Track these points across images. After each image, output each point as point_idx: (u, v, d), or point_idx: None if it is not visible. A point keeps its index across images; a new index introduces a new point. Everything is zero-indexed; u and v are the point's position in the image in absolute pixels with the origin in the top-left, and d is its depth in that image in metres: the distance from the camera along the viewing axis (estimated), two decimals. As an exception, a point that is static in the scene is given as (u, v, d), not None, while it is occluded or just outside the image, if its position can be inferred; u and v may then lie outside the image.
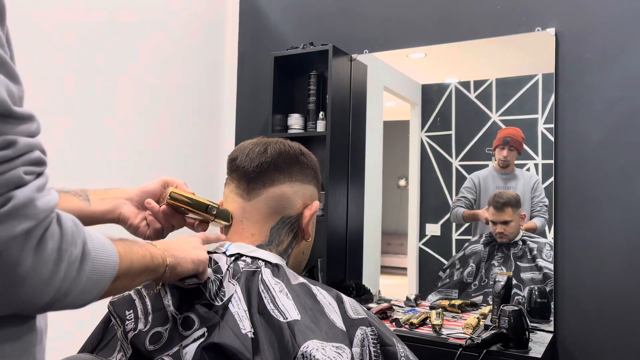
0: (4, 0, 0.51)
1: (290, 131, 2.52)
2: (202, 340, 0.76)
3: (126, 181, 2.20)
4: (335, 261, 2.42)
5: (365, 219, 2.56)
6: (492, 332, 1.73)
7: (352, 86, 2.52)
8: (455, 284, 2.32)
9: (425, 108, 2.45)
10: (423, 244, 2.43)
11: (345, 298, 0.87)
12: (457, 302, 2.21)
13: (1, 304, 0.50)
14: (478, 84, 2.33)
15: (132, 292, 0.83)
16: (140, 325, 0.79)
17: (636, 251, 1.93)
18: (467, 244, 2.32)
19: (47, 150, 0.54)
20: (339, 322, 0.81)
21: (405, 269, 2.50)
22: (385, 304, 2.18)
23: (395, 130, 2.61)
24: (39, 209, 0.49)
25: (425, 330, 1.96)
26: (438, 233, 2.40)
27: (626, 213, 1.95)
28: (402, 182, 2.56)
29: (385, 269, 2.59)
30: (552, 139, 2.10)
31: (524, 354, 1.70)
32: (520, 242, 2.20)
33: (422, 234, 2.44)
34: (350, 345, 0.79)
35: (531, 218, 2.18)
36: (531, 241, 2.17)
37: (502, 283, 1.94)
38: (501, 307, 1.77)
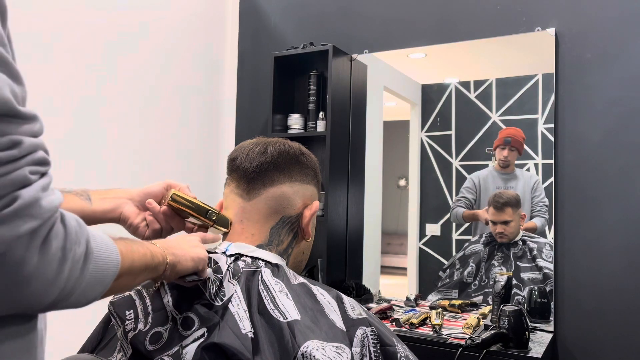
0: (5, 1, 0.51)
1: (290, 131, 2.52)
2: (202, 340, 0.76)
3: (126, 181, 2.20)
4: (335, 261, 2.42)
5: (365, 219, 2.56)
6: (492, 332, 1.73)
7: (352, 86, 2.52)
8: (455, 284, 2.32)
9: (425, 108, 2.45)
10: (423, 244, 2.43)
11: (345, 298, 0.87)
12: (457, 302, 2.21)
13: (6, 303, 0.51)
14: (478, 84, 2.33)
15: (132, 292, 0.83)
16: (140, 325, 0.79)
17: (636, 251, 1.93)
18: (467, 244, 2.32)
19: (49, 152, 0.54)
20: (339, 322, 0.81)
21: (405, 269, 2.50)
22: (385, 304, 2.18)
23: (395, 130, 2.61)
24: (43, 208, 0.49)
25: (425, 330, 1.96)
26: (438, 233, 2.40)
27: (626, 213, 1.95)
28: (402, 182, 2.56)
29: (385, 269, 2.59)
30: (552, 139, 2.10)
31: (524, 354, 1.70)
32: (520, 242, 2.20)
33: (422, 234, 2.44)
34: (350, 345, 0.79)
35: (531, 218, 2.18)
36: (531, 241, 2.17)
37: (502, 283, 1.94)
38: (501, 307, 1.77)
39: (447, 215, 2.37)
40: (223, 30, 2.83)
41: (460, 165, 2.35)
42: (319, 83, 2.52)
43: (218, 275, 0.84)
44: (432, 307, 2.24)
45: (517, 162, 2.22)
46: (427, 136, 2.43)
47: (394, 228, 2.59)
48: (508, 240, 2.22)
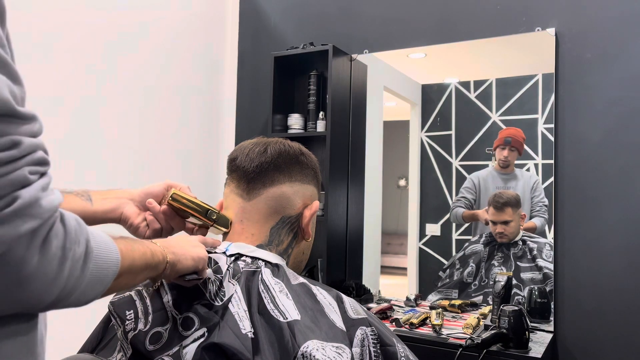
0: (4, 1, 0.51)
1: (290, 131, 2.52)
2: (202, 340, 0.76)
3: (126, 181, 2.20)
4: (335, 261, 2.42)
5: (365, 219, 2.56)
6: (492, 332, 1.73)
7: (352, 86, 2.52)
8: (455, 284, 2.32)
9: (425, 108, 2.45)
10: (423, 244, 2.43)
11: (345, 298, 0.87)
12: (457, 302, 2.21)
13: (7, 302, 0.51)
14: (478, 84, 2.33)
15: (132, 293, 0.83)
16: (140, 325, 0.79)
17: (636, 251, 1.93)
18: (467, 244, 2.32)
19: (50, 152, 0.54)
20: (339, 322, 0.81)
21: (405, 269, 2.50)
22: (385, 304, 2.18)
23: (395, 130, 2.61)
24: (43, 208, 0.50)
25: (425, 330, 1.96)
26: (438, 233, 2.40)
27: (626, 213, 1.95)
28: (402, 182, 2.56)
29: (385, 269, 2.59)
30: (552, 139, 2.10)
31: (524, 354, 1.70)
32: (520, 242, 2.20)
33: (422, 234, 2.44)
34: (350, 345, 0.79)
35: (531, 218, 2.18)
36: (531, 241, 2.17)
37: (502, 283, 1.94)
38: (501, 307, 1.77)
39: (447, 216, 2.37)
40: (223, 30, 2.83)
41: (460, 165, 2.35)
42: (319, 83, 2.52)
43: (218, 275, 0.83)
44: (432, 307, 2.24)
45: (517, 162, 2.22)
46: (427, 136, 2.43)
47: (394, 228, 2.59)
48: (508, 240, 2.22)
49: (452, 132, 2.38)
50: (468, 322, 1.95)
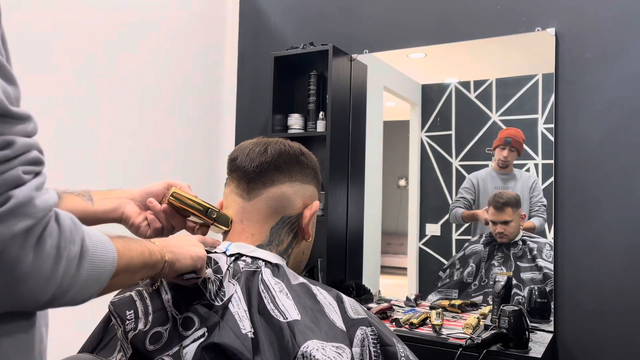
0: None
1: (290, 131, 2.52)
2: (202, 340, 0.76)
3: (126, 181, 2.20)
4: (335, 261, 2.42)
5: (365, 219, 2.56)
6: (492, 332, 1.73)
7: (352, 86, 2.52)
8: (455, 284, 2.32)
9: (425, 108, 2.45)
10: (423, 244, 2.43)
11: (345, 298, 0.87)
12: (457, 302, 2.21)
13: (2, 301, 0.51)
14: (478, 84, 2.33)
15: (132, 292, 0.83)
16: (140, 325, 0.79)
17: (636, 251, 1.93)
18: (467, 244, 2.32)
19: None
20: (339, 322, 0.81)
21: (405, 269, 2.50)
22: (385, 304, 2.18)
23: (395, 130, 2.61)
24: (37, 207, 0.50)
25: (425, 330, 1.96)
26: (438, 233, 2.40)
27: (626, 213, 1.95)
28: (402, 182, 2.56)
29: (385, 269, 2.59)
30: (552, 139, 2.11)
31: (524, 354, 1.70)
32: (520, 242, 2.20)
33: (422, 234, 2.44)
34: (350, 345, 0.79)
35: (529, 218, 2.18)
36: (531, 241, 2.17)
37: (502, 283, 1.94)
38: (501, 307, 1.77)
39: (447, 216, 2.37)
40: (223, 30, 2.83)
41: (460, 165, 2.35)
42: (319, 83, 2.52)
43: (218, 275, 0.83)
44: (432, 307, 2.24)
45: (517, 162, 2.22)
46: (427, 136, 2.43)
47: (394, 228, 2.59)
48: (508, 240, 2.22)
49: (452, 132, 2.38)
50: (468, 322, 1.95)
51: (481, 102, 2.31)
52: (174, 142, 2.51)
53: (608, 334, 1.96)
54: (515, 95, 2.24)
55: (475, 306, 2.22)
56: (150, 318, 0.79)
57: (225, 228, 0.92)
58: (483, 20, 2.26)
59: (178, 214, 0.93)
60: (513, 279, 2.07)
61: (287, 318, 0.78)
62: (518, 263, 2.18)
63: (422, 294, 2.38)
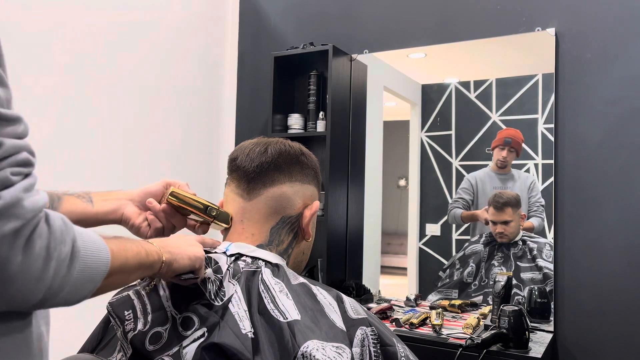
0: None
1: (290, 131, 2.52)
2: (202, 340, 0.76)
3: (126, 181, 2.20)
4: (335, 261, 2.42)
5: (365, 219, 2.56)
6: (492, 332, 1.73)
7: (352, 86, 2.52)
8: (455, 284, 2.32)
9: (425, 108, 2.45)
10: (423, 244, 2.43)
11: (345, 298, 0.87)
12: (457, 302, 2.21)
13: None
14: (478, 84, 2.33)
15: (130, 292, 0.83)
16: (140, 326, 0.79)
17: (636, 251, 1.93)
18: (467, 244, 2.32)
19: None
20: (339, 322, 0.81)
21: (405, 269, 2.50)
22: (385, 304, 2.18)
23: (395, 130, 2.61)
24: (26, 208, 0.50)
25: (425, 330, 1.96)
26: (438, 233, 2.40)
27: (626, 213, 1.95)
28: (402, 182, 2.56)
29: (385, 269, 2.59)
30: (552, 139, 2.11)
31: (524, 354, 1.70)
32: (520, 242, 2.20)
33: (422, 234, 2.44)
34: (351, 345, 0.79)
35: (528, 218, 2.18)
36: (531, 241, 2.17)
37: (502, 283, 1.94)
38: (501, 307, 1.77)
39: (447, 216, 2.37)
40: (223, 30, 2.83)
41: (460, 165, 2.35)
42: (319, 83, 2.52)
43: (218, 275, 0.84)
44: (432, 307, 2.24)
45: (517, 161, 2.22)
46: (427, 136, 2.43)
47: (394, 228, 2.59)
48: (508, 240, 2.22)
49: (452, 132, 2.38)
50: (468, 322, 1.95)
51: (481, 102, 2.31)
52: (174, 142, 2.51)
53: (608, 334, 1.96)
54: (515, 95, 2.24)
55: (475, 306, 2.22)
56: (149, 318, 0.79)
57: (225, 225, 0.92)
58: (483, 20, 2.26)
59: (178, 213, 0.93)
60: (513, 279, 2.07)
61: (287, 318, 0.78)
62: (518, 263, 2.18)
63: (422, 294, 2.38)
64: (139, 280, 0.81)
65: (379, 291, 2.51)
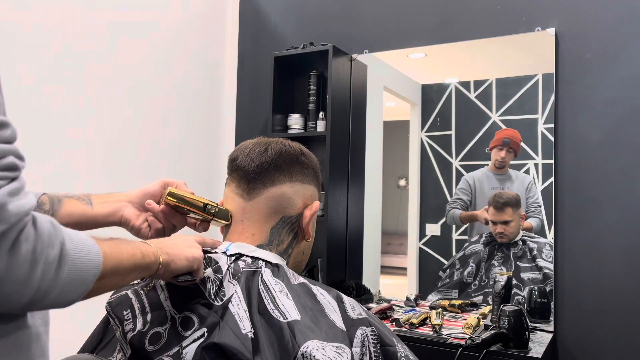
0: None
1: (290, 131, 2.52)
2: (202, 340, 0.76)
3: (127, 181, 2.20)
4: (335, 261, 2.42)
5: (365, 219, 2.56)
6: (492, 332, 1.73)
7: (352, 86, 2.52)
8: (455, 284, 2.32)
9: (425, 108, 2.45)
10: (423, 244, 2.43)
11: (345, 298, 0.87)
12: (457, 302, 2.21)
13: None
14: (478, 84, 2.33)
15: (129, 292, 0.83)
16: (139, 326, 0.78)
17: (636, 251, 1.93)
18: (467, 244, 2.32)
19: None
20: (339, 322, 0.81)
21: (405, 269, 2.50)
22: (385, 304, 2.18)
23: (395, 130, 2.61)
24: (10, 212, 0.50)
25: (425, 330, 1.96)
26: (438, 233, 2.40)
27: (626, 213, 1.95)
28: (402, 182, 2.56)
29: (385, 269, 2.59)
30: (552, 139, 2.11)
31: (524, 354, 1.70)
32: (520, 242, 2.20)
33: (422, 234, 2.44)
34: (351, 345, 0.79)
35: (526, 219, 2.19)
36: (531, 241, 2.17)
37: (502, 283, 1.94)
38: (501, 307, 1.77)
39: (445, 217, 2.37)
40: (223, 30, 2.83)
41: (460, 165, 2.35)
42: (319, 83, 2.52)
43: (218, 275, 0.83)
44: (432, 307, 2.24)
45: (518, 161, 2.22)
46: (427, 136, 2.43)
47: (394, 228, 2.59)
48: (508, 240, 2.22)
49: (452, 132, 2.38)
50: (468, 322, 1.95)
51: (481, 102, 2.31)
52: (174, 142, 2.51)
53: (608, 334, 1.96)
54: (515, 95, 2.24)
55: (475, 306, 2.22)
56: (148, 317, 0.79)
57: (225, 222, 0.92)
58: (483, 20, 2.26)
59: (177, 212, 0.93)
60: (513, 279, 2.07)
61: (287, 318, 0.78)
62: (518, 263, 2.18)
63: (422, 294, 2.38)
64: (138, 280, 0.81)
65: (379, 291, 2.51)
